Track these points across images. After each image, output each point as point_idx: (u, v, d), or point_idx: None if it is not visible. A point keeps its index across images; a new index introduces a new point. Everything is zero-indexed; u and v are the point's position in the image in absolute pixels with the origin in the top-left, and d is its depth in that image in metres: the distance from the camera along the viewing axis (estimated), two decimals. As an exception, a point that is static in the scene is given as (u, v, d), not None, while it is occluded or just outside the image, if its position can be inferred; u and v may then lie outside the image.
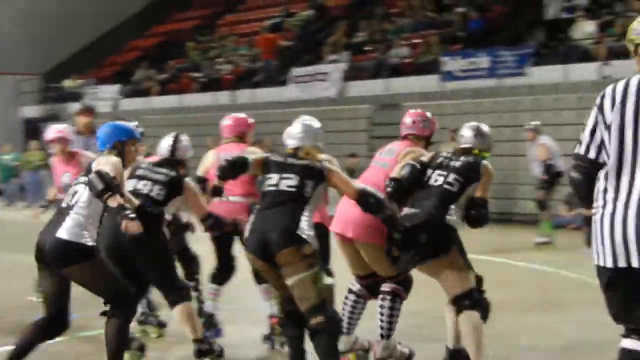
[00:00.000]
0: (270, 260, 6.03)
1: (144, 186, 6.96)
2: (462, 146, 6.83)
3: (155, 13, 36.12)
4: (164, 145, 7.38)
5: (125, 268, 6.57)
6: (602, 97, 4.34)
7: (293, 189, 6.17)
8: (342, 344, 6.69)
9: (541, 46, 21.50)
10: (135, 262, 6.73)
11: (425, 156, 6.80)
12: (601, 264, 4.27)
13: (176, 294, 6.82)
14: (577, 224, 17.10)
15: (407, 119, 7.30)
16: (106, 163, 5.97)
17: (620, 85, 4.28)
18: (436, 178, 6.57)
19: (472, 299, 6.44)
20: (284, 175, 6.23)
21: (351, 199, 6.39)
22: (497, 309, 9.27)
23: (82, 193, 5.98)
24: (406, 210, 6.50)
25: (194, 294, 7.82)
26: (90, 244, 5.90)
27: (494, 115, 19.21)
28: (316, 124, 6.68)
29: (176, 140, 7.34)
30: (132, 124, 7.13)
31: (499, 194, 18.46)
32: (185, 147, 7.41)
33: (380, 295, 6.91)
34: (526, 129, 15.40)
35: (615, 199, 4.20)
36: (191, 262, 8.33)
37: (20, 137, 31.37)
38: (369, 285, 6.97)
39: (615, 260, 4.20)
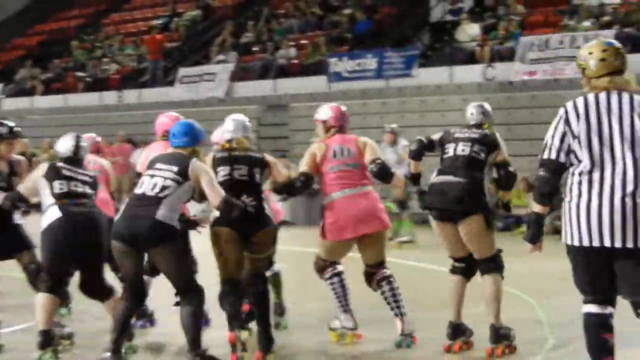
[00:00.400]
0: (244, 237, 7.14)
1: (75, 187, 7.31)
2: (473, 122, 7.87)
3: (38, 11, 35.44)
4: (66, 145, 7.53)
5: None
6: (567, 112, 5.41)
7: (245, 177, 7.25)
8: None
9: (427, 48, 21.86)
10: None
11: (436, 134, 7.86)
12: (575, 243, 5.36)
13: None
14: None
15: (334, 112, 8.17)
16: None
17: (580, 102, 5.39)
18: (462, 148, 7.57)
19: (498, 262, 7.57)
20: (235, 167, 7.24)
21: (282, 183, 7.59)
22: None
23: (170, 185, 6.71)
24: (439, 179, 7.51)
25: None
26: (178, 227, 6.71)
27: (381, 116, 19.41)
28: (245, 118, 7.71)
29: (78, 141, 7.58)
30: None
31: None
32: (86, 147, 7.73)
33: (378, 284, 7.85)
34: (385, 131, 15.36)
35: (590, 191, 5.28)
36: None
37: None
38: None
39: (590, 240, 5.27)
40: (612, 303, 5.43)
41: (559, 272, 9.89)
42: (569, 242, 5.42)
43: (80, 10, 34.99)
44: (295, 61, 22.82)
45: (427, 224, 8.12)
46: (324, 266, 7.93)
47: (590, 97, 5.39)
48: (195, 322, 6.70)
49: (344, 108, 8.41)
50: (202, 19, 28.02)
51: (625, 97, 5.35)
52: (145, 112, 24.22)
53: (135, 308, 6.96)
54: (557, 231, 15.85)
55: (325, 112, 8.24)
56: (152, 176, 6.78)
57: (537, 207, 5.52)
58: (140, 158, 8.13)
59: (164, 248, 6.63)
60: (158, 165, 6.83)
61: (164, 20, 29.55)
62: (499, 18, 20.40)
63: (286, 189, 7.69)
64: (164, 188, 6.70)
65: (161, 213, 6.60)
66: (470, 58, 19.54)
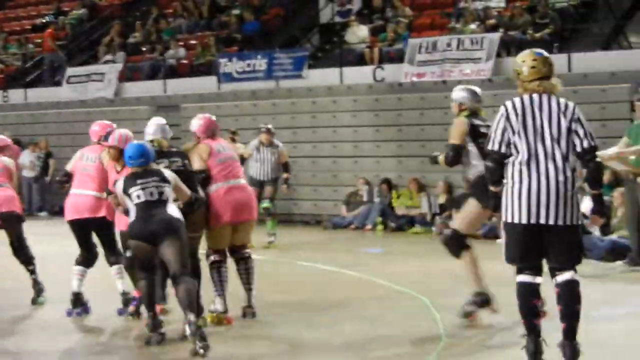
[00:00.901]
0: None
1: None
2: (472, 109, 8.66)
3: None
4: None
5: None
6: (507, 111, 6.59)
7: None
8: None
9: (317, 49, 22.01)
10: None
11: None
12: (515, 221, 6.53)
13: None
14: (357, 224, 17.67)
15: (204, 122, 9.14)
16: None
17: (517, 102, 6.60)
18: None
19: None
20: (159, 160, 8.45)
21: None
22: (283, 309, 9.54)
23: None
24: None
25: None
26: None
27: (272, 117, 19.47)
28: (163, 121, 8.99)
29: None
30: None
31: (279, 195, 18.78)
32: None
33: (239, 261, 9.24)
34: (261, 131, 15.31)
35: (529, 177, 6.48)
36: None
37: None
38: None
39: (528, 218, 6.47)
40: (540, 273, 6.61)
41: (449, 271, 10.16)
42: (509, 220, 6.58)
43: (-39, 7, 34.16)
44: (185, 61, 22.72)
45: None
46: (209, 254, 9.02)
47: (526, 97, 6.58)
48: (196, 295, 7.97)
49: (213, 117, 9.31)
50: (88, 18, 27.65)
51: (553, 99, 6.57)
52: (31, 112, 23.84)
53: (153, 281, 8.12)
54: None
55: (195, 122, 9.16)
56: (143, 189, 7.98)
57: (494, 189, 6.70)
58: (74, 159, 9.61)
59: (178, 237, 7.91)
60: (139, 181, 8.01)
61: (49, 18, 29.08)
62: (387, 20, 20.65)
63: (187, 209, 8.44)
64: (160, 193, 8.00)
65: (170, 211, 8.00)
66: (360, 59, 19.74)
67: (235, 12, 23.62)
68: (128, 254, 8.39)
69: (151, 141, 8.63)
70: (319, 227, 18.20)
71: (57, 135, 22.84)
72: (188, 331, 7.58)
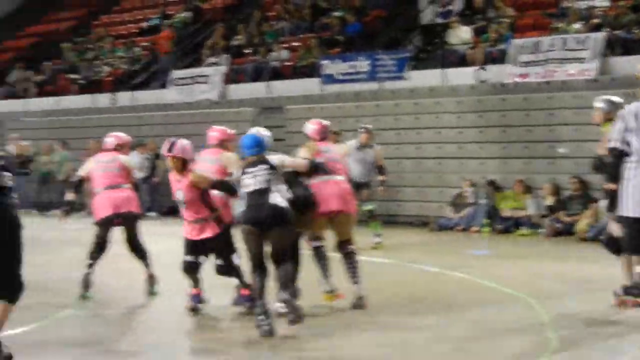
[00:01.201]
0: None
1: None
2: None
3: (30, 13, 35.49)
4: None
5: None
6: (626, 113, 8.09)
7: None
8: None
9: (419, 50, 22.03)
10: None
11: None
12: (631, 215, 7.86)
13: None
14: (463, 225, 17.71)
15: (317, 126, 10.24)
16: None
17: (633, 107, 8.04)
18: None
19: None
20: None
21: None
22: (390, 310, 9.65)
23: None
24: None
25: None
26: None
27: (375, 118, 19.63)
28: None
29: None
30: None
31: (384, 197, 18.91)
32: None
33: None
34: (361, 131, 15.42)
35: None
36: None
37: None
38: None
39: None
40: None
41: (558, 274, 10.21)
42: (624, 214, 7.84)
43: (70, 12, 35.04)
44: (288, 63, 22.98)
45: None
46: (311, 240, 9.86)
47: None
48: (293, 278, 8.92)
49: (325, 122, 10.38)
50: (192, 21, 28.13)
51: None
52: (138, 114, 24.36)
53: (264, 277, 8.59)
54: (556, 233, 16.26)
55: (310, 127, 10.24)
56: (254, 177, 8.60)
57: (612, 186, 7.71)
58: (199, 160, 9.99)
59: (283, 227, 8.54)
60: (250, 170, 8.64)
61: (155, 22, 29.71)
62: (489, 21, 20.60)
63: None
64: (268, 181, 8.56)
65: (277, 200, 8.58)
66: (462, 60, 19.74)
67: (337, 14, 23.80)
68: (188, 258, 8.83)
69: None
70: (425, 229, 18.23)
71: (164, 136, 23.19)
72: (282, 309, 8.54)
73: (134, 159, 22.25)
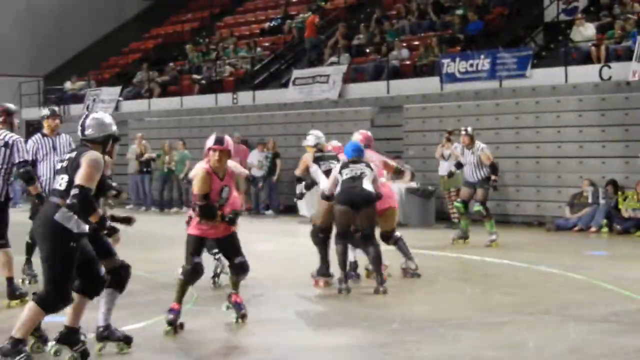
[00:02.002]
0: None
1: None
2: None
3: (155, 15, 36.24)
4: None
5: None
6: None
7: None
8: None
9: (541, 48, 21.66)
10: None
11: None
12: None
13: None
14: (582, 226, 17.33)
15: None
16: None
17: None
18: None
19: None
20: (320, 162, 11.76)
21: None
22: (505, 311, 9.49)
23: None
24: None
25: None
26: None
27: (495, 117, 19.36)
28: (320, 133, 12.21)
29: None
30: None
31: (501, 196, 18.63)
32: None
33: None
34: (461, 134, 15.54)
35: None
36: None
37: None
38: None
39: None
40: None
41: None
42: None
43: (194, 13, 35.64)
44: (408, 62, 22.86)
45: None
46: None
47: None
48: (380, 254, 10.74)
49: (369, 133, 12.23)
50: (314, 20, 28.24)
51: None
52: (259, 113, 24.57)
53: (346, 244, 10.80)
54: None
55: (356, 136, 11.89)
56: (351, 170, 10.72)
57: None
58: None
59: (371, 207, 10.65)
60: (351, 166, 10.81)
61: (277, 22, 29.95)
62: (614, 17, 20.11)
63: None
64: (362, 173, 10.69)
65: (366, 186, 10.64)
66: (586, 58, 19.30)
67: (459, 12, 23.57)
68: (197, 259, 8.53)
69: (316, 145, 11.83)
70: (542, 229, 17.93)
71: (284, 135, 23.44)
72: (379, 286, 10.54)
73: (254, 158, 22.61)
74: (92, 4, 35.34)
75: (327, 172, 11.19)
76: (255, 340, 8.40)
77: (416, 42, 23.58)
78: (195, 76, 27.97)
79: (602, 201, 17.45)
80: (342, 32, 25.59)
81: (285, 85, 24.80)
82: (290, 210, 21.08)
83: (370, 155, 11.52)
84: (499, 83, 20.00)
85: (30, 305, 6.96)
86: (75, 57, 34.79)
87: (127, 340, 7.70)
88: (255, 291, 10.54)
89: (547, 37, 22.28)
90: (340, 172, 10.72)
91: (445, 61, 21.13)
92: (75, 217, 6.85)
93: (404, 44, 23.56)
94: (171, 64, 30.00)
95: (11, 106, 10.30)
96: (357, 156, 10.88)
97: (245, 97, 25.59)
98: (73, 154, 7.06)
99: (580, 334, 8.38)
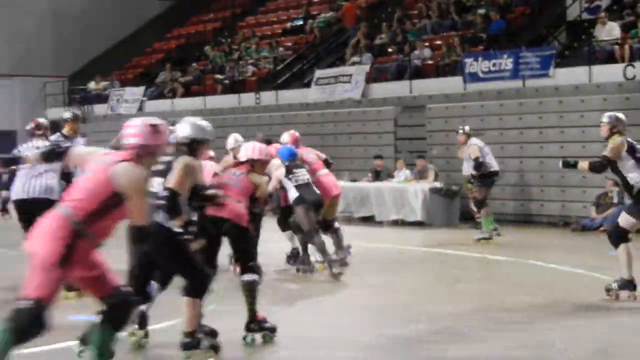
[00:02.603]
0: None
1: None
2: None
3: (177, 15, 36.35)
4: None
5: None
6: None
7: None
8: None
9: (564, 47, 21.61)
10: None
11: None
12: None
13: None
14: (607, 226, 17.28)
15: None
16: None
17: None
18: None
19: None
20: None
21: None
22: (529, 311, 9.50)
23: None
24: None
25: None
26: None
27: (519, 117, 19.35)
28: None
29: None
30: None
31: (525, 196, 18.63)
32: None
33: None
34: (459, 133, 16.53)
35: None
36: None
37: (46, 139, 31.52)
38: None
39: None
40: None
41: None
42: None
43: (216, 14, 35.74)
44: (430, 62, 22.86)
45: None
46: None
47: None
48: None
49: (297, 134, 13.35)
50: (335, 20, 28.28)
51: None
52: (282, 113, 24.62)
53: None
54: None
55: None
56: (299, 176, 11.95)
57: None
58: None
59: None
60: (296, 172, 11.94)
61: (299, 22, 30.00)
62: (638, 16, 20.05)
63: None
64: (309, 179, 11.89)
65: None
66: (610, 57, 19.25)
67: (481, 11, 23.55)
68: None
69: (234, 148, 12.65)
70: (567, 229, 17.90)
71: (307, 135, 23.41)
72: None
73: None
74: (115, 5, 35.50)
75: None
76: (280, 336, 8.42)
77: (438, 42, 23.57)
78: (218, 76, 28.06)
79: (627, 201, 17.37)
80: (364, 31, 25.61)
81: (308, 85, 24.85)
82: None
83: (305, 152, 13.02)
84: (522, 82, 19.96)
85: (184, 301, 7.36)
86: (99, 57, 34.94)
87: (213, 334, 7.89)
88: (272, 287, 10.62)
89: (570, 36, 22.24)
90: (289, 178, 11.89)
91: (468, 61, 21.11)
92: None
93: (426, 44, 23.56)
94: (194, 64, 30.11)
95: (43, 121, 11.33)
96: (294, 160, 12.17)
97: (267, 97, 25.64)
98: (170, 158, 7.28)
99: (606, 335, 8.40)
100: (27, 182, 10.51)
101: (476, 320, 9.03)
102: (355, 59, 24.47)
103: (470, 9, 24.35)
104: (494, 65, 20.63)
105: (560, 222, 18.61)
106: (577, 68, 19.36)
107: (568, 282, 11.71)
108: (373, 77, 23.44)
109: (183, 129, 7.50)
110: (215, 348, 7.57)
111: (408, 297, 10.45)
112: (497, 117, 19.46)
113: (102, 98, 30.72)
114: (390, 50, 24.64)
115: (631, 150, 10.23)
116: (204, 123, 7.58)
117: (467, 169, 16.16)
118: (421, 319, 9.04)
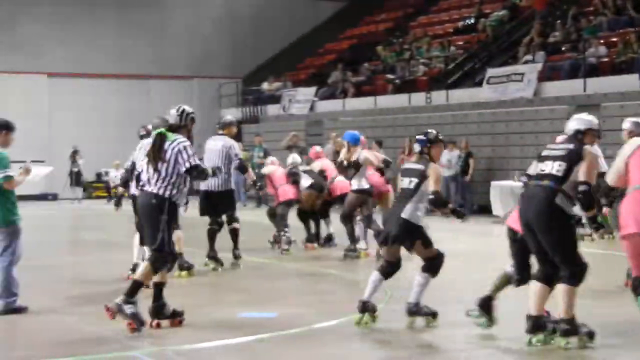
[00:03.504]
0: None
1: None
2: None
3: (350, 16, 36.68)
4: None
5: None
6: None
7: None
8: None
9: None
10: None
11: None
12: None
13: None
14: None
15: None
16: None
17: None
18: None
19: None
20: None
21: None
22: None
23: None
24: None
25: None
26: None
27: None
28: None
29: None
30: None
31: None
32: None
33: None
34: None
35: None
36: None
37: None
38: None
39: None
40: None
41: None
42: None
43: (388, 14, 35.87)
44: (606, 59, 22.33)
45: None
46: None
47: None
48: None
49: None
50: (508, 19, 27.95)
51: None
52: (452, 113, 24.51)
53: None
54: None
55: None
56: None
57: None
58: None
59: None
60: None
61: (470, 21, 29.79)
62: None
63: None
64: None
65: None
66: None
67: (660, 7, 22.87)
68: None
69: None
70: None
71: (478, 135, 23.32)
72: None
73: (444, 157, 22.53)
74: (288, 7, 36.13)
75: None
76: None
77: (614, 39, 22.99)
78: (389, 76, 28.14)
79: None
80: (537, 29, 25.22)
81: (479, 84, 24.65)
82: (484, 210, 20.96)
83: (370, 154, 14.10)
84: None
85: (562, 289, 7.57)
86: (272, 58, 35.64)
87: (434, 315, 8.65)
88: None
89: None
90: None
91: (646, 58, 20.53)
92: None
93: (602, 41, 23.02)
94: (366, 64, 30.30)
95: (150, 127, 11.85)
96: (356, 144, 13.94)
97: (438, 96, 25.57)
98: (571, 145, 7.76)
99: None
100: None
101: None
102: (528, 57, 24.14)
103: (647, 5, 23.67)
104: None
105: None
106: None
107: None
108: (546, 75, 23.07)
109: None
110: (591, 335, 7.70)
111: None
112: (675, 116, 18.82)
113: (274, 98, 31.30)
114: (563, 48, 24.18)
115: None
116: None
117: None
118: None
